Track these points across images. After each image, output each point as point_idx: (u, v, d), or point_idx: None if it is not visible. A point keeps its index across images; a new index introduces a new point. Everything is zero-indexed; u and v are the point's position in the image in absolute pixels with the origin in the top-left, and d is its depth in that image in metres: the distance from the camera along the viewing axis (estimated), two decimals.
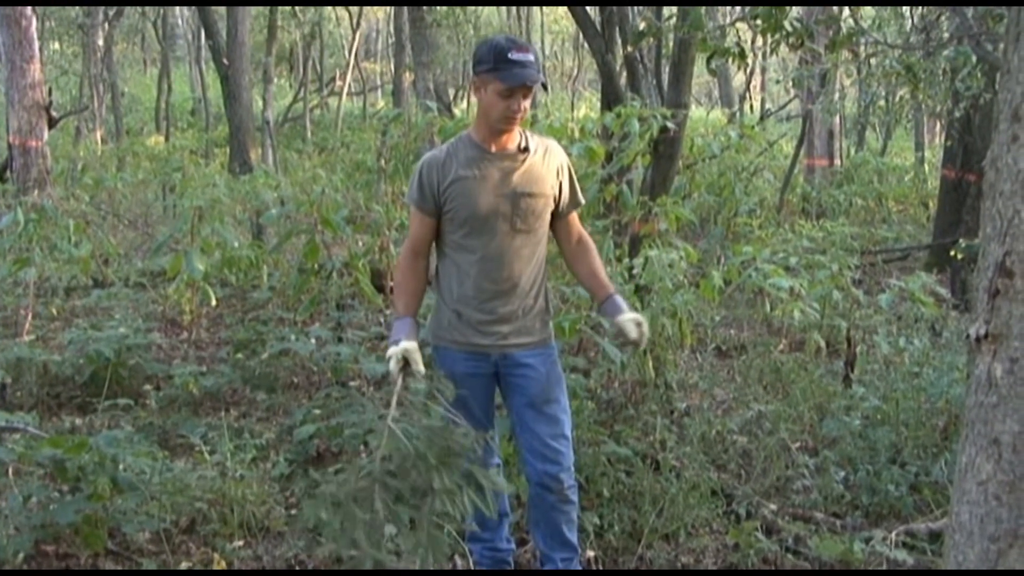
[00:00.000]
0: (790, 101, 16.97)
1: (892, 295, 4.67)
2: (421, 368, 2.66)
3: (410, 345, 2.65)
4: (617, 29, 7.31)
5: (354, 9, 20.72)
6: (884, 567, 2.99)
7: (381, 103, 23.44)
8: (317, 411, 4.20)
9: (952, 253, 5.90)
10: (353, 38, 20.77)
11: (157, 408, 4.47)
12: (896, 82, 7.32)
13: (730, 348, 5.64)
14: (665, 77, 7.23)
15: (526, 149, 2.69)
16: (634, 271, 4.40)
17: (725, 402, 4.66)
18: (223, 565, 3.08)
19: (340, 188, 7.59)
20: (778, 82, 14.19)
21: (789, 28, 3.88)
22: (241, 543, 3.25)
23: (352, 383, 4.83)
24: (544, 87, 2.64)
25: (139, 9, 19.90)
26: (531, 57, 2.54)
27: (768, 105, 18.44)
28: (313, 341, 5.07)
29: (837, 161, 12.47)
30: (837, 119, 12.19)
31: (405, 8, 12.31)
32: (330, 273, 5.64)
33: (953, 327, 5.48)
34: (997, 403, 1.74)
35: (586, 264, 2.85)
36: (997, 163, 1.74)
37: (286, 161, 14.52)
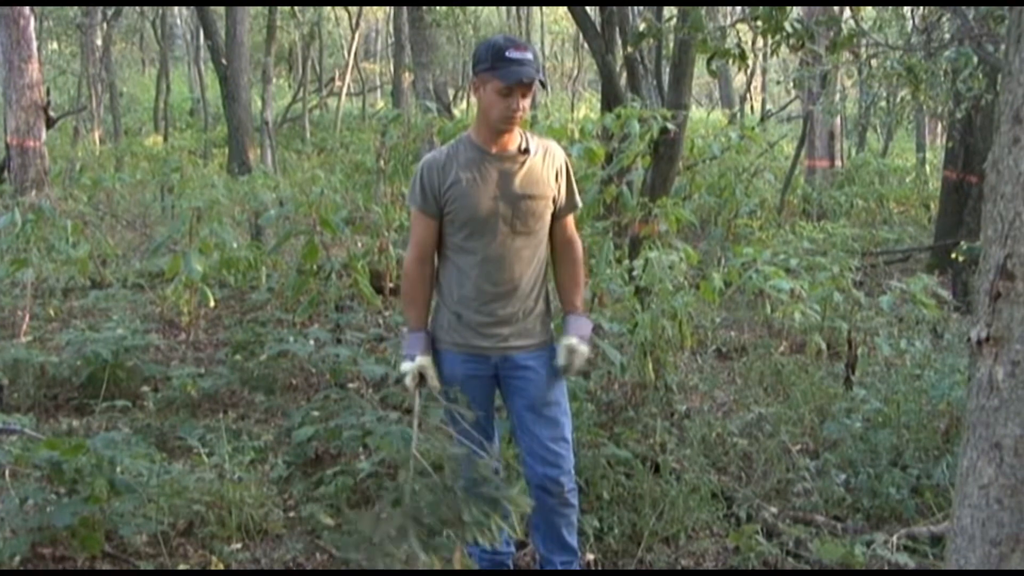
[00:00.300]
0: (791, 102, 16.99)
1: (893, 297, 4.67)
2: (437, 384, 2.69)
3: (425, 360, 2.68)
4: (617, 30, 7.31)
5: (353, 9, 20.72)
6: (885, 570, 2.99)
7: (380, 104, 23.43)
8: (316, 413, 4.20)
9: (953, 255, 5.90)
10: (352, 38, 20.76)
11: (155, 410, 4.47)
12: (897, 83, 7.32)
13: (730, 350, 5.64)
14: (665, 78, 7.22)
15: (526, 150, 2.69)
16: (634, 273, 4.40)
17: (725, 404, 4.66)
18: (221, 568, 3.08)
19: (339, 189, 7.60)
20: (779, 83, 14.21)
21: (790, 29, 3.88)
22: (239, 546, 3.24)
23: (351, 385, 4.83)
24: (543, 85, 2.63)
25: (138, 9, 19.91)
26: (529, 56, 2.54)
27: (769, 106, 18.45)
28: (312, 342, 5.07)
29: (838, 162, 12.46)
30: (838, 120, 12.18)
31: (404, 8, 12.31)
32: (329, 274, 5.64)
33: (955, 329, 5.48)
34: (999, 407, 1.74)
35: (566, 272, 2.85)
36: (998, 165, 1.74)
37: (285, 162, 14.52)
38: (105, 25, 16.76)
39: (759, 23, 3.90)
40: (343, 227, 5.69)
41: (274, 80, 16.52)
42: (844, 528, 3.32)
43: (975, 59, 4.76)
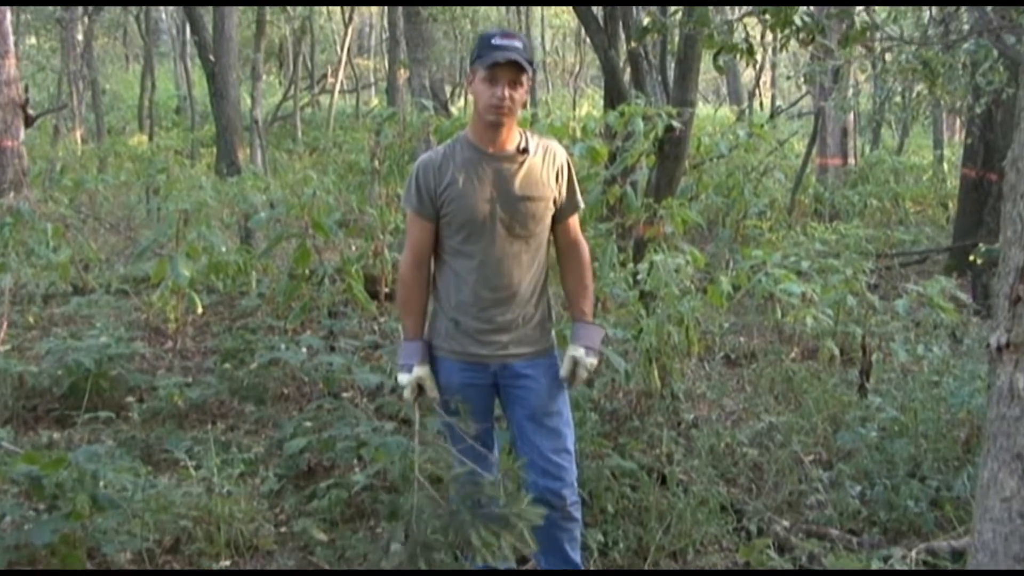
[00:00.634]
0: (801, 98, 17.01)
1: (909, 300, 4.66)
2: (436, 394, 2.69)
3: (422, 371, 2.69)
4: (620, 24, 7.32)
5: None
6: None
7: (375, 101, 23.45)
8: (308, 424, 4.19)
9: (972, 257, 5.90)
10: (345, 33, 20.80)
11: (140, 421, 4.46)
12: (913, 77, 7.32)
13: (739, 356, 5.63)
14: (671, 73, 7.23)
15: (525, 150, 2.69)
16: (639, 276, 4.40)
17: (734, 413, 4.65)
18: None
19: (332, 190, 7.59)
20: (789, 78, 14.24)
21: (799, 23, 3.88)
22: (228, 563, 3.24)
23: (345, 394, 4.83)
24: (530, 63, 2.57)
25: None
26: (516, 43, 2.56)
27: (779, 102, 18.49)
28: (304, 350, 5.06)
29: (851, 160, 12.48)
30: (851, 116, 12.20)
31: None
32: (322, 279, 5.63)
33: (974, 334, 5.47)
34: (1020, 415, 1.73)
35: (572, 276, 2.85)
36: (1018, 163, 1.73)
37: (276, 162, 14.53)
38: (86, 19, 16.77)
39: (767, 17, 3.90)
40: (336, 230, 5.68)
41: (264, 77, 16.52)
42: (860, 543, 3.31)
43: (995, 51, 4.76)
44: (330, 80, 21.90)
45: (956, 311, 4.65)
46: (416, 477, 2.39)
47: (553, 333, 2.84)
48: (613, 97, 7.08)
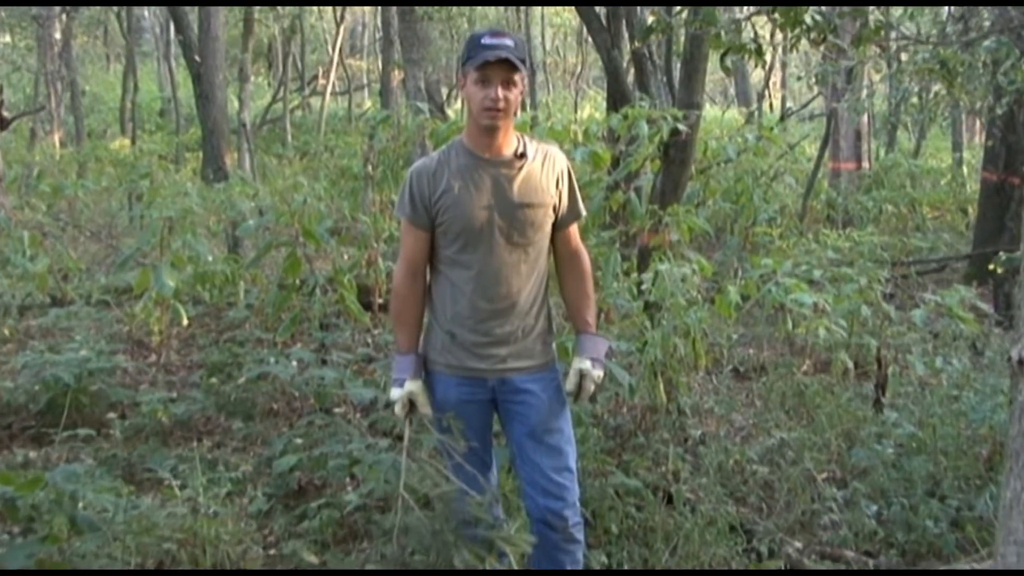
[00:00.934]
0: (813, 99, 17.04)
1: (927, 311, 4.67)
2: (428, 411, 2.70)
3: (415, 386, 2.70)
4: (624, 23, 7.36)
5: None
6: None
7: (368, 104, 23.52)
8: (299, 441, 4.20)
9: (993, 265, 5.91)
10: (337, 32, 20.85)
11: (122, 438, 4.46)
12: (930, 77, 7.34)
13: (749, 370, 5.64)
14: (676, 74, 7.26)
15: (523, 155, 2.70)
16: (643, 287, 4.41)
17: (744, 429, 4.66)
18: None
19: (323, 197, 7.60)
20: (800, 78, 14.24)
21: (810, 22, 3.90)
22: None
23: (337, 410, 4.83)
24: (522, 62, 2.59)
25: None
26: (507, 42, 2.58)
27: (789, 103, 18.53)
28: (294, 364, 5.06)
29: (865, 164, 12.50)
30: (865, 118, 12.22)
31: None
32: (313, 289, 5.64)
33: (996, 346, 5.47)
34: None
35: (574, 286, 2.86)
36: None
37: (264, 167, 14.56)
38: (64, 16, 16.74)
39: (777, 16, 3.92)
40: (328, 238, 5.71)
41: (252, 78, 16.56)
42: (876, 565, 3.32)
43: (1017, 49, 4.78)
44: (321, 81, 21.96)
45: (976, 322, 4.66)
46: (401, 495, 2.40)
47: (554, 346, 2.85)
48: (616, 99, 7.11)
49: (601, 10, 7.40)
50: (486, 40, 2.57)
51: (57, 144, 15.72)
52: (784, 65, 20.40)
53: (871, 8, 4.46)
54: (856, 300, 4.70)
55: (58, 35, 16.44)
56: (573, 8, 8.35)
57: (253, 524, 3.59)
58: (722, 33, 4.15)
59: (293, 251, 5.52)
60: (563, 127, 5.35)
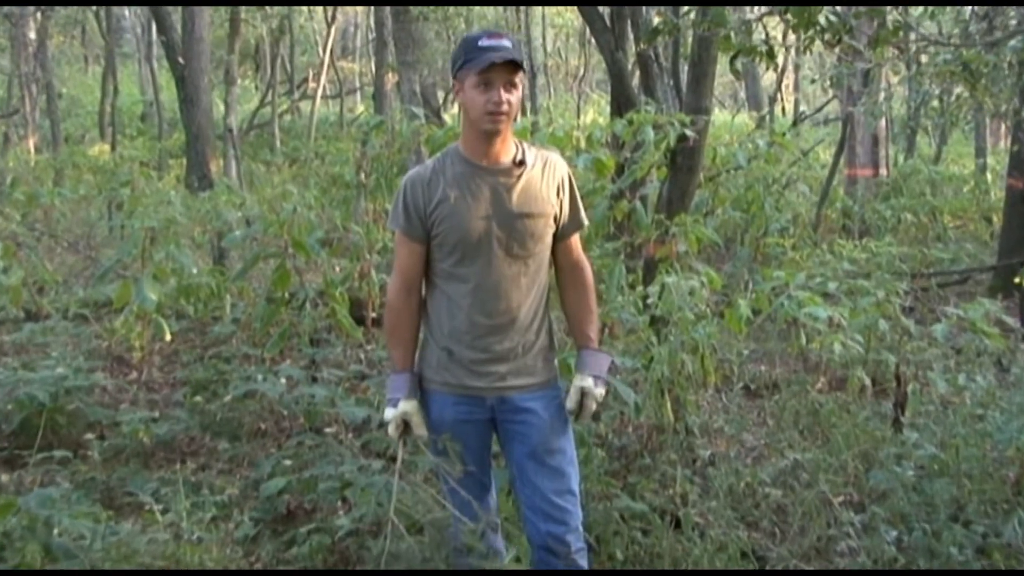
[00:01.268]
0: (828, 102, 17.11)
1: (949, 325, 4.68)
2: (423, 432, 2.71)
3: (409, 407, 2.71)
4: (629, 24, 7.38)
5: None
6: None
7: (361, 108, 23.60)
8: (288, 462, 4.20)
9: (1018, 279, 5.93)
10: (328, 33, 20.94)
11: (100, 460, 4.46)
12: (952, 79, 7.36)
13: (760, 387, 5.64)
14: (683, 77, 7.29)
15: (522, 163, 2.71)
16: (649, 300, 4.42)
17: (755, 449, 4.66)
18: None
19: (314, 206, 7.63)
20: (814, 81, 14.28)
21: (824, 23, 3.92)
22: None
23: (328, 429, 4.83)
24: (520, 64, 2.61)
25: None
26: (505, 43, 2.59)
27: (802, 107, 18.59)
28: (283, 381, 5.07)
29: (883, 171, 12.53)
30: (883, 122, 12.26)
31: None
32: (302, 303, 5.65)
33: (1023, 362, 5.48)
34: None
35: (575, 300, 2.88)
36: None
37: (252, 174, 14.61)
38: (39, 15, 16.78)
39: (789, 17, 3.95)
40: (318, 249, 5.71)
41: (239, 81, 16.62)
42: None
43: None
44: (311, 85, 22.04)
45: (1002, 337, 4.67)
46: (391, 521, 2.41)
47: (556, 363, 2.86)
48: (621, 103, 7.13)
49: (605, 10, 7.44)
50: (484, 42, 2.59)
51: (32, 150, 15.77)
52: (797, 67, 20.48)
53: (889, 8, 4.48)
54: (873, 314, 4.71)
55: (32, 35, 16.47)
56: (575, 8, 8.39)
57: (239, 550, 3.59)
58: (732, 34, 4.17)
59: (282, 263, 5.53)
60: (565, 133, 5.38)
